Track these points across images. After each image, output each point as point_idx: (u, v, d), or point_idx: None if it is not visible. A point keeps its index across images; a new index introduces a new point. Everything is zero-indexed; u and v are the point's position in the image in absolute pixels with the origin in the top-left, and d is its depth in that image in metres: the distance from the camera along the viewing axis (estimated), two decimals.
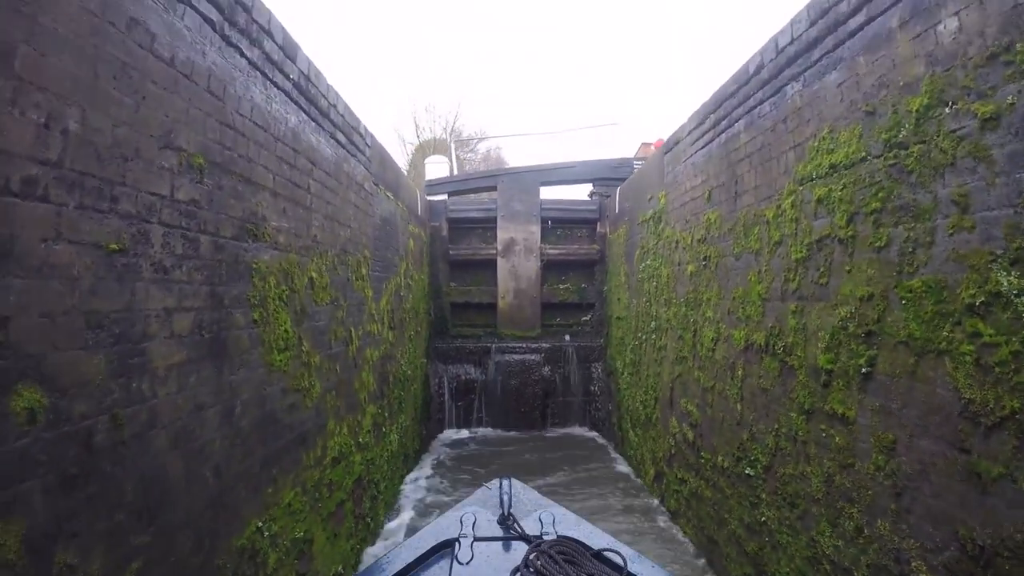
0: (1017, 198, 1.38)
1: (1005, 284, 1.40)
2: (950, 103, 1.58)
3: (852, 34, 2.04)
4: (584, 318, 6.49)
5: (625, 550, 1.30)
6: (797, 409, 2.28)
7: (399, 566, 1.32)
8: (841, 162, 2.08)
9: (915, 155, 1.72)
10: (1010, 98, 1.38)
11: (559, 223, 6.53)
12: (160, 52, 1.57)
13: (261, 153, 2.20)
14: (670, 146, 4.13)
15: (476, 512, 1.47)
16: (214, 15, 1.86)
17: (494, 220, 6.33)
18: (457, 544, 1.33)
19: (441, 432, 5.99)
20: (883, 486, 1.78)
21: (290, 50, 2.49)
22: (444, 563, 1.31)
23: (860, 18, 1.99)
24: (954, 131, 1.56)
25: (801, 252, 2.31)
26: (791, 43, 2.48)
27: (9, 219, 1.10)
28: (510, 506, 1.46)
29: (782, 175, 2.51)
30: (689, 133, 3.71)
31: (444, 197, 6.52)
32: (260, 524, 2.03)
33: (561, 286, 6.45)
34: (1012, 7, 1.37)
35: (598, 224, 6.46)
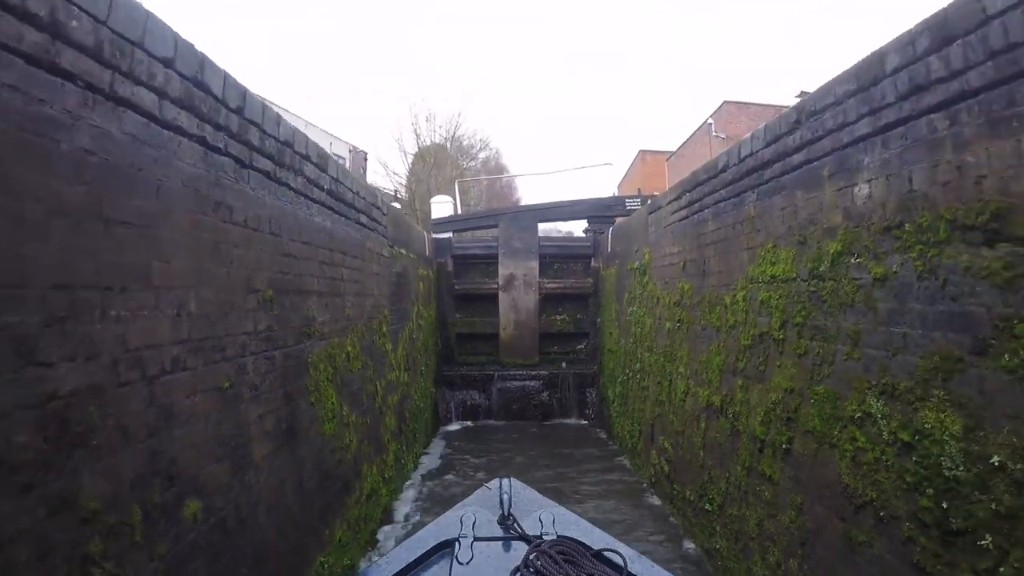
0: (889, 346, 1.83)
1: (874, 407, 1.93)
2: (855, 255, 2.01)
3: (795, 168, 2.44)
4: (579, 346, 7.07)
5: (625, 550, 1.33)
6: (741, 464, 2.84)
7: (399, 566, 1.36)
8: (779, 275, 2.59)
9: (828, 289, 2.19)
10: (895, 267, 1.75)
11: (556, 258, 7.08)
12: (236, 219, 2.04)
13: (309, 265, 2.72)
14: (653, 209, 4.64)
15: (476, 512, 1.50)
16: (269, 166, 2.32)
17: (496, 257, 6.86)
18: (457, 544, 1.37)
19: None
20: (794, 535, 2.35)
21: (323, 163, 2.96)
22: (444, 563, 1.35)
23: (801, 156, 2.39)
24: (855, 279, 2.00)
25: (747, 340, 2.85)
26: (750, 155, 2.94)
27: (169, 390, 1.63)
28: (510, 506, 1.49)
29: (738, 269, 3.03)
30: (669, 203, 4.22)
31: (450, 235, 7.04)
32: (322, 559, 2.61)
33: (558, 317, 7.02)
34: (907, 191, 1.70)
35: (592, 259, 6.98)
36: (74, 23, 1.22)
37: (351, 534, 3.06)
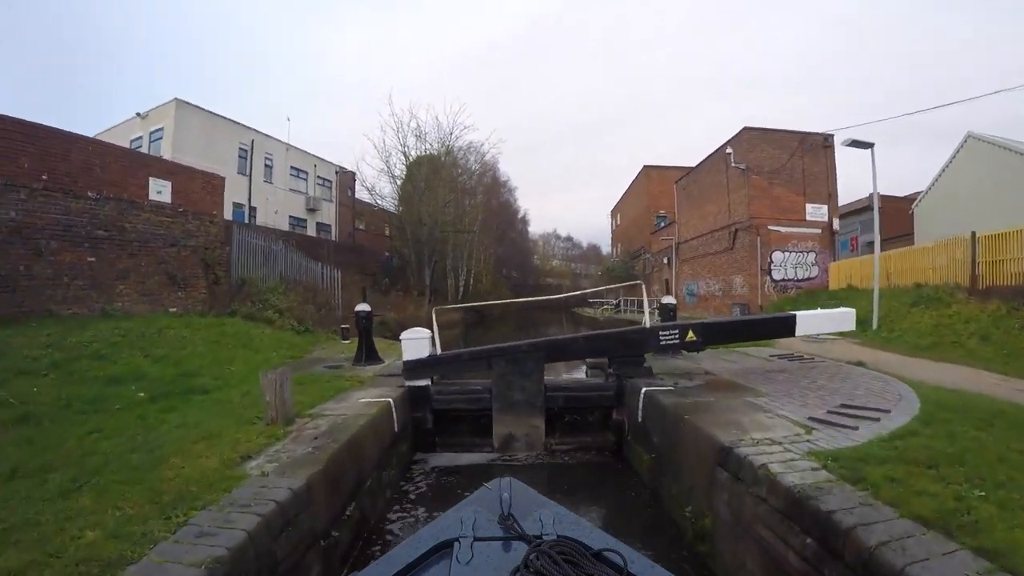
0: None
1: None
2: None
3: None
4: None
5: (625, 550, 1.26)
6: None
7: (398, 566, 1.29)
8: None
9: None
10: None
11: (566, 410, 5.48)
12: None
13: None
14: (724, 460, 3.07)
15: (476, 512, 1.45)
16: None
17: (489, 411, 5.28)
18: (457, 544, 1.32)
19: None
20: None
21: None
22: (444, 563, 1.29)
23: None
24: None
25: None
26: None
27: None
28: (510, 506, 1.44)
29: None
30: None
31: (427, 383, 5.41)
32: None
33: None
34: None
35: (615, 411, 5.42)
36: None
37: None
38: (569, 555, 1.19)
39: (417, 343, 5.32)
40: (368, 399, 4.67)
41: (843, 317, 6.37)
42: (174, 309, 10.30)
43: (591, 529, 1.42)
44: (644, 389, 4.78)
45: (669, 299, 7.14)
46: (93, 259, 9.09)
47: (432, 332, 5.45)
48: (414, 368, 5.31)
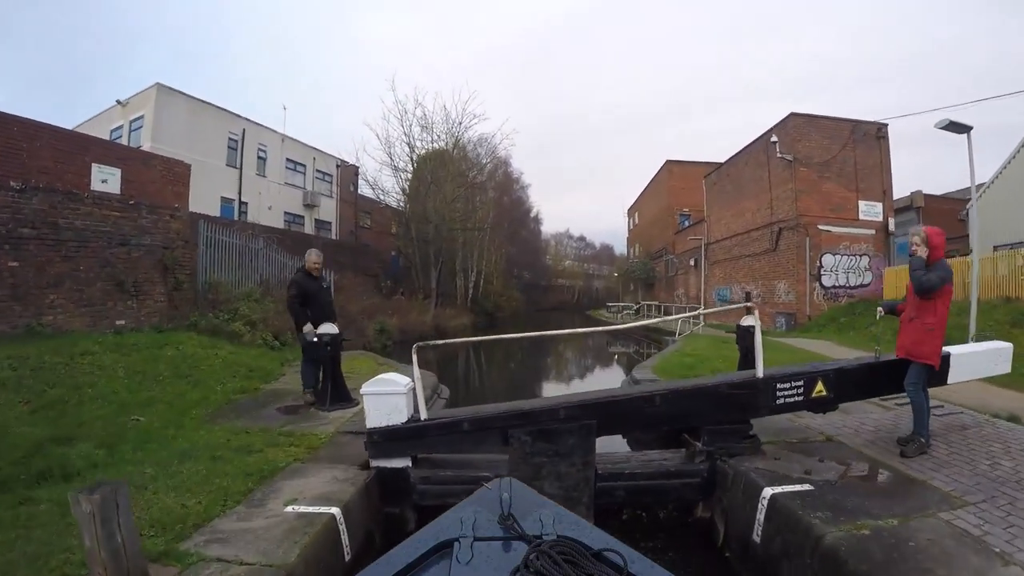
0: None
1: None
2: None
3: None
4: None
5: (625, 550, 1.23)
6: None
7: (397, 567, 1.25)
8: None
9: None
10: None
11: (626, 503, 3.57)
12: None
13: None
14: None
15: (476, 512, 1.40)
16: None
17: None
18: (457, 544, 1.29)
19: None
20: None
21: None
22: (443, 563, 1.26)
23: None
24: None
25: None
26: None
27: None
28: (510, 506, 1.38)
29: None
30: None
31: (407, 463, 3.41)
32: None
33: None
34: None
35: (700, 506, 3.50)
36: None
37: None
38: (569, 555, 1.19)
39: (388, 401, 3.35)
40: (302, 507, 2.79)
41: (999, 355, 4.44)
42: (122, 322, 8.59)
43: (591, 529, 1.38)
44: (769, 493, 2.85)
45: (751, 320, 5.09)
46: (16, 264, 7.40)
47: (413, 381, 3.48)
48: (384, 442, 3.39)
